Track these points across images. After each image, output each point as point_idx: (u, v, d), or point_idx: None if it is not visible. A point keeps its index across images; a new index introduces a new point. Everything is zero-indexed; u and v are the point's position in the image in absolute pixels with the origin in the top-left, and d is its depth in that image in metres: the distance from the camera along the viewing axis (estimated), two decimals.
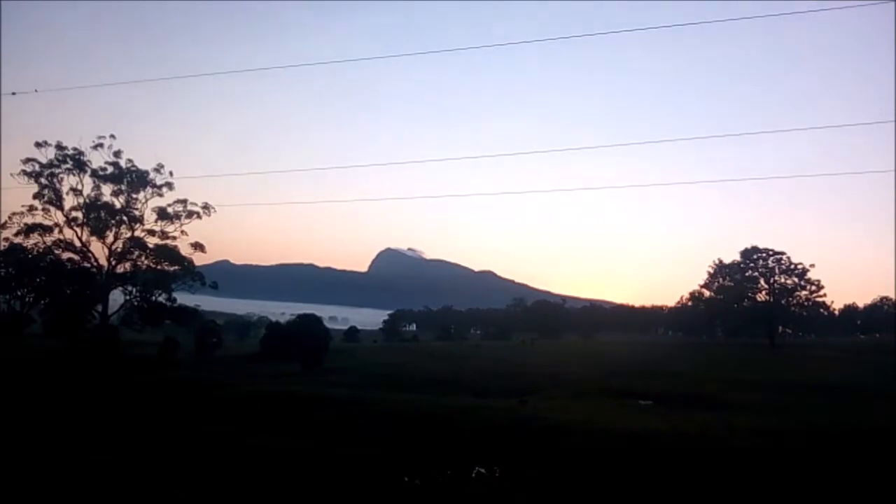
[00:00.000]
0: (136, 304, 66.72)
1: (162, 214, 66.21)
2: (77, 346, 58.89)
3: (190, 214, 66.54)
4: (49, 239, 64.05)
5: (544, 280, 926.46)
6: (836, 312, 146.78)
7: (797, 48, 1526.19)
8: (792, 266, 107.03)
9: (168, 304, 67.16)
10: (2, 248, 64.63)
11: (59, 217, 63.81)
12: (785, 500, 10.60)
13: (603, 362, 58.80)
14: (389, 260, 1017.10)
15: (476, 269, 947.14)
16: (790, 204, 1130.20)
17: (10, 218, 62.99)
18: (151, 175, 65.95)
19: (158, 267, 66.77)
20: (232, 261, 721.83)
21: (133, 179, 65.40)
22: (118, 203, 65.44)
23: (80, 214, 64.26)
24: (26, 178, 62.16)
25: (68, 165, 63.45)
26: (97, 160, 64.52)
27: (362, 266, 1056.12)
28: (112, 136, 64.81)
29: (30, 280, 65.77)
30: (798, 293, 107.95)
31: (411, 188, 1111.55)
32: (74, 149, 63.64)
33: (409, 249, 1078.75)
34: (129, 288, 66.53)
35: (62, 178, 63.65)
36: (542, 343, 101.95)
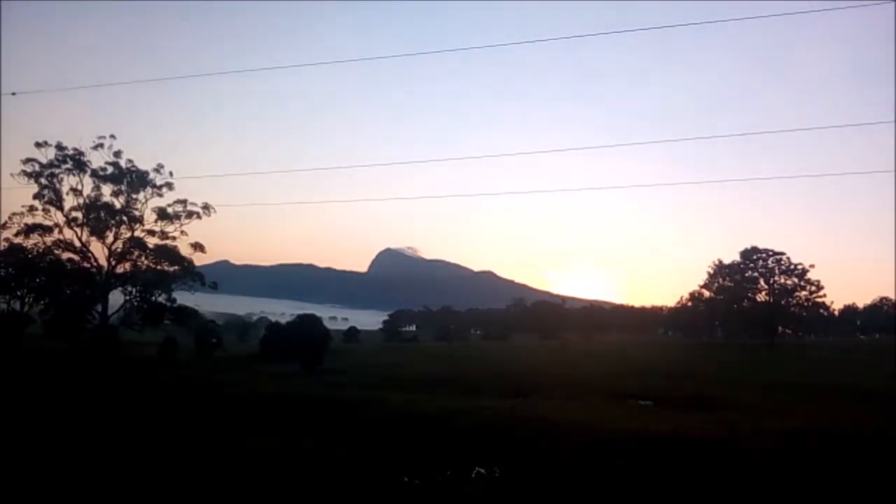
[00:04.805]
0: (135, 304, 66.76)
1: (162, 214, 66.25)
2: (77, 347, 58.93)
3: (190, 214, 66.60)
4: (49, 239, 64.09)
5: (544, 280, 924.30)
6: (836, 313, 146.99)
7: (797, 48, 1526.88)
8: (792, 266, 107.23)
9: (168, 304, 67.22)
10: (2, 248, 64.67)
11: (59, 217, 63.89)
12: (785, 501, 10.60)
13: (603, 363, 58.82)
14: (389, 260, 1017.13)
15: (476, 269, 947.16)
16: (790, 204, 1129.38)
17: (10, 218, 63.06)
18: (151, 175, 66.01)
19: (158, 267, 66.80)
20: (232, 261, 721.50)
21: (133, 179, 65.41)
22: (118, 203, 65.49)
23: (80, 215, 64.27)
24: (26, 179, 62.20)
25: (68, 165, 63.45)
26: (97, 160, 64.58)
27: (362, 266, 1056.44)
28: (112, 136, 64.85)
29: (30, 280, 65.73)
30: (798, 293, 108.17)
31: (411, 188, 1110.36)
32: (74, 149, 63.68)
33: (409, 249, 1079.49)
34: (129, 288, 66.56)
35: (62, 179, 63.68)
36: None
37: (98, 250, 65.05)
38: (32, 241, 63.79)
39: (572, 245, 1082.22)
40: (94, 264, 65.10)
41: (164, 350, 59.46)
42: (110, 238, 65.42)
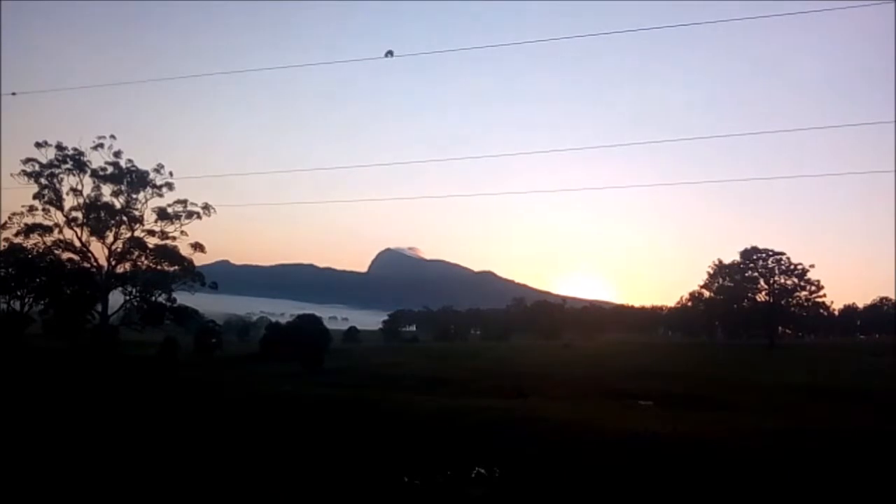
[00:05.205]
0: (135, 304, 66.77)
1: (162, 215, 66.24)
2: (77, 346, 58.94)
3: (190, 215, 66.58)
4: (49, 239, 64.14)
5: (544, 280, 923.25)
6: (836, 313, 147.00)
7: (797, 48, 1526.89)
8: (792, 266, 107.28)
9: (168, 304, 67.22)
10: (2, 248, 64.69)
11: (59, 217, 63.90)
12: (786, 502, 10.61)
13: (603, 363, 58.85)
14: (389, 260, 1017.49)
15: (476, 269, 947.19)
16: (790, 204, 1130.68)
17: (10, 218, 63.08)
18: (151, 175, 66.02)
19: (158, 267, 66.83)
20: (232, 261, 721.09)
21: (133, 179, 65.40)
22: (118, 203, 65.50)
23: (80, 215, 64.26)
24: (26, 178, 62.21)
25: (68, 165, 63.45)
26: (97, 160, 64.59)
27: (362, 266, 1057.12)
28: (112, 137, 64.86)
29: (30, 280, 65.77)
30: (798, 293, 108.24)
31: (411, 188, 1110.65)
32: (74, 149, 63.70)
33: (409, 249, 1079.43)
34: (129, 288, 66.59)
35: (62, 179, 63.71)
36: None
37: (98, 250, 65.15)
38: (32, 241, 63.88)
39: (572, 245, 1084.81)
40: (94, 264, 65.10)
41: (164, 350, 59.52)
42: (110, 238, 65.48)
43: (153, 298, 66.89)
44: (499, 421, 18.15)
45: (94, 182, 64.77)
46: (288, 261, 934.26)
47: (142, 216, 66.23)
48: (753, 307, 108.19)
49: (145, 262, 66.56)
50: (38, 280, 65.72)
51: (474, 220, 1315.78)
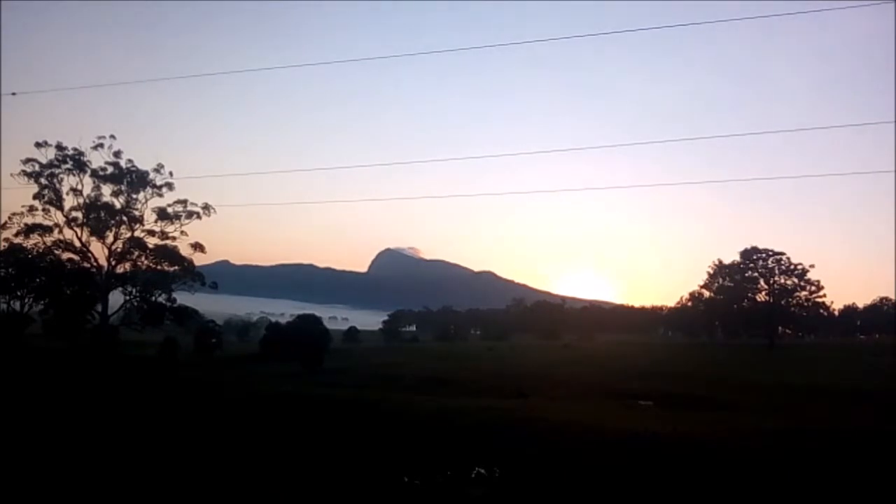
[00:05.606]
0: (135, 304, 66.75)
1: (162, 215, 66.20)
2: (77, 346, 58.92)
3: (190, 215, 66.54)
4: (49, 239, 64.09)
5: (544, 280, 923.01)
6: (836, 313, 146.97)
7: (797, 48, 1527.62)
8: (792, 266, 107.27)
9: (168, 304, 67.21)
10: (2, 248, 64.68)
11: (59, 217, 63.86)
12: (786, 502, 10.61)
13: (603, 363, 58.85)
14: (389, 260, 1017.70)
15: (476, 269, 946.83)
16: (790, 204, 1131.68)
17: (10, 218, 63.03)
18: (151, 175, 65.97)
19: (158, 267, 66.82)
20: (232, 261, 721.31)
21: (133, 179, 65.36)
22: (118, 203, 65.46)
23: (80, 215, 64.23)
24: (26, 179, 62.15)
25: (68, 165, 63.41)
26: (97, 160, 64.53)
27: (362, 266, 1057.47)
28: (112, 137, 64.80)
29: (30, 280, 65.77)
30: (798, 294, 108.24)
31: (411, 188, 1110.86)
32: (74, 149, 63.65)
33: (409, 249, 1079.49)
34: (129, 288, 66.57)
35: (62, 179, 63.65)
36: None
37: (98, 250, 65.12)
38: (32, 241, 63.84)
39: (572, 245, 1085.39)
40: (94, 264, 65.08)
41: (164, 350, 59.51)
42: (110, 238, 65.45)
43: (153, 298, 66.87)
44: (499, 421, 18.14)
45: (94, 182, 64.80)
46: (288, 261, 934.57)
47: (142, 216, 66.28)
48: (753, 307, 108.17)
49: (145, 262, 66.56)
50: (38, 280, 65.69)
51: (474, 220, 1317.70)
